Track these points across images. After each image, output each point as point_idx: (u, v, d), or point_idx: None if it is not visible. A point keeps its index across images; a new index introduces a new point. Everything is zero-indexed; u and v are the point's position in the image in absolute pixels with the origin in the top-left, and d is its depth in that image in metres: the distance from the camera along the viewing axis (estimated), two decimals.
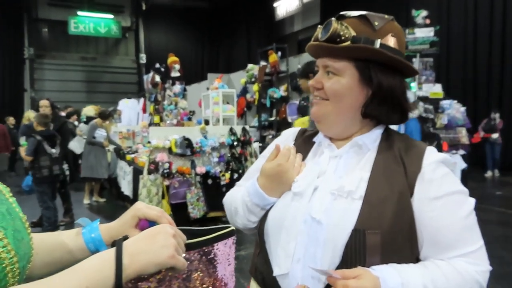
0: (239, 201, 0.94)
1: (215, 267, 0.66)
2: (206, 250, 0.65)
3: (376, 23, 0.82)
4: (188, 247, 0.61)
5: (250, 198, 0.90)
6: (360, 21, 0.83)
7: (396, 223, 0.77)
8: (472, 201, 0.83)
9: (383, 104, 0.85)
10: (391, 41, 0.83)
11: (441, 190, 0.80)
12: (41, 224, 4.57)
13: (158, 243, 0.54)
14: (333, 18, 0.84)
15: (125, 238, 0.55)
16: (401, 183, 0.81)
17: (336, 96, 0.86)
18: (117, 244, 0.53)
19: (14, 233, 0.54)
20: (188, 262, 0.61)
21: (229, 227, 0.70)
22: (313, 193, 0.85)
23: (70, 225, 5.06)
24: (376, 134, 0.88)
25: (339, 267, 0.77)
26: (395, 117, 0.88)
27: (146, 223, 0.67)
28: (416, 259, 0.81)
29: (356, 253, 0.76)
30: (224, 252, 0.68)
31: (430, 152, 0.85)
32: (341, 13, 0.85)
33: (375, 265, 0.76)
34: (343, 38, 0.81)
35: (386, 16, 0.85)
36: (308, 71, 3.02)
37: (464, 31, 9.59)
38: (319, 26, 0.88)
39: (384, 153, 0.85)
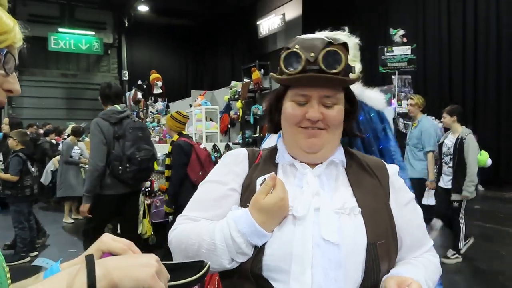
0: (219, 243, 0.80)
1: None
2: None
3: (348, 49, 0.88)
4: None
5: (246, 238, 0.78)
6: (344, 49, 0.86)
7: (391, 230, 0.84)
8: None
9: (356, 119, 0.95)
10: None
11: (407, 196, 0.92)
12: (15, 246, 4.37)
13: (138, 261, 0.52)
14: (334, 47, 0.83)
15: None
16: (381, 193, 0.88)
17: (338, 124, 0.88)
18: (87, 257, 0.50)
19: None
20: None
21: (206, 263, 0.64)
22: (315, 215, 0.81)
23: (43, 246, 4.86)
24: (341, 150, 0.93)
25: (363, 283, 0.79)
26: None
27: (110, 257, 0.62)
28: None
29: (374, 266, 0.79)
30: None
31: (388, 165, 0.95)
32: (327, 38, 0.85)
33: (388, 272, 0.82)
34: (347, 69, 0.85)
35: None
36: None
37: (439, 49, 9.95)
38: (296, 48, 0.84)
39: (355, 168, 0.91)
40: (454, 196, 3.94)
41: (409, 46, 6.18)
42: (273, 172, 0.85)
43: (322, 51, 0.82)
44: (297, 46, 0.85)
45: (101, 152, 2.96)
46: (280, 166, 0.92)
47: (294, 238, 0.79)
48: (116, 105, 3.14)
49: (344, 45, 0.86)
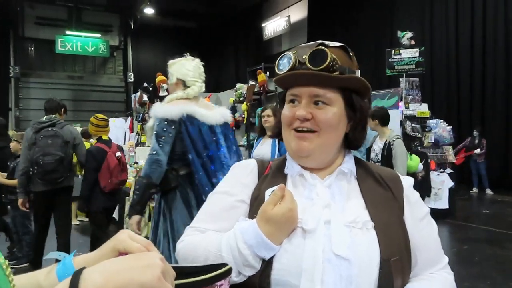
0: (226, 255, 0.78)
1: None
2: None
3: (351, 54, 0.87)
4: None
5: (252, 250, 0.76)
6: (341, 52, 0.86)
7: (405, 246, 0.81)
8: None
9: (364, 129, 0.90)
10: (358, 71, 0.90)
11: (423, 211, 0.88)
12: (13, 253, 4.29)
13: (142, 262, 0.47)
14: (322, 47, 0.84)
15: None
16: (395, 207, 0.84)
17: (329, 127, 0.85)
18: (74, 273, 0.45)
19: None
20: None
21: (226, 265, 0.61)
22: (325, 228, 0.79)
23: (47, 249, 4.83)
24: (351, 160, 0.91)
25: None
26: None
27: None
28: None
29: (387, 283, 0.76)
30: None
31: (402, 177, 0.92)
32: (321, 41, 0.86)
33: None
34: (335, 67, 0.82)
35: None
36: None
37: (447, 52, 9.87)
38: (292, 52, 0.87)
39: (367, 179, 0.88)
40: None
41: (417, 49, 6.13)
42: (282, 183, 0.83)
43: (310, 51, 0.84)
44: (294, 51, 0.87)
45: (24, 156, 3.57)
46: (289, 177, 0.90)
47: (304, 252, 0.77)
48: (44, 117, 3.67)
49: (342, 48, 0.87)
